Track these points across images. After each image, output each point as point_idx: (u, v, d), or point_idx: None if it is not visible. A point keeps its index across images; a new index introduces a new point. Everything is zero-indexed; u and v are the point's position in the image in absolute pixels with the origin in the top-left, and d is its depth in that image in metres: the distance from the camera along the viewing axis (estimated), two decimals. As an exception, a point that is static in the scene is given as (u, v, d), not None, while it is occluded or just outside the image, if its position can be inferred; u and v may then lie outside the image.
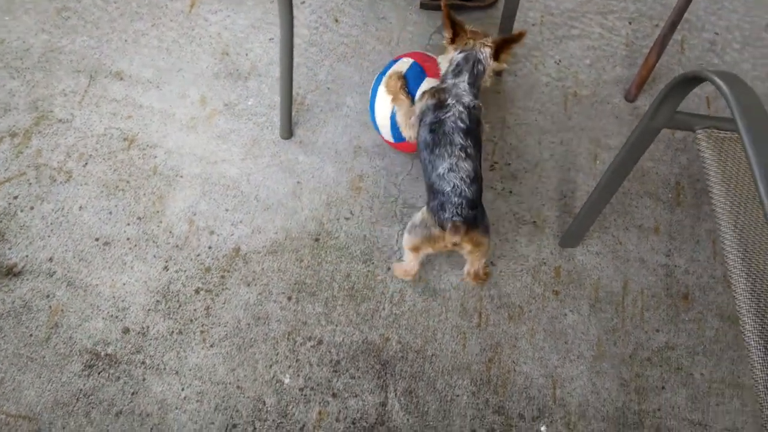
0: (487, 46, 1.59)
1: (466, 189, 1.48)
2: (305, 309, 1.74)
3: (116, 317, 1.70)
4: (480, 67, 1.59)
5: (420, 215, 1.58)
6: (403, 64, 1.76)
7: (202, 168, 1.93)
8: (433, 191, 1.53)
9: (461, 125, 1.53)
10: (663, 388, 1.70)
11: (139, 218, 1.84)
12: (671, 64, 2.25)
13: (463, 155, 1.50)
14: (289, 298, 1.75)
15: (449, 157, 1.50)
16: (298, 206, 1.89)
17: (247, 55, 2.17)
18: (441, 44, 1.68)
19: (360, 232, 1.86)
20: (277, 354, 1.67)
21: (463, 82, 1.56)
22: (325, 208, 1.90)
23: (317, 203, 1.90)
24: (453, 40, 1.61)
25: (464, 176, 1.48)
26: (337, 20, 2.27)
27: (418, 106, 1.61)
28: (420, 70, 1.73)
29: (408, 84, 1.71)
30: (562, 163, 2.02)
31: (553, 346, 1.74)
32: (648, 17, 2.36)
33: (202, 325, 1.70)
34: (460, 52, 1.59)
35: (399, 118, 1.70)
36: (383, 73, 1.80)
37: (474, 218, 1.49)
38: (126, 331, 1.68)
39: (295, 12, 2.26)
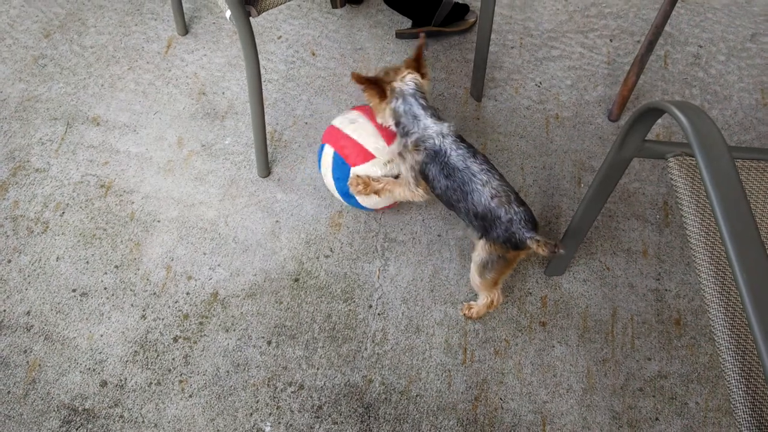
0: (405, 76, 1.57)
1: (516, 206, 1.46)
2: (285, 353, 1.70)
3: (94, 370, 1.67)
4: (420, 95, 1.56)
5: (483, 253, 1.54)
6: (327, 157, 1.74)
7: (180, 211, 1.91)
8: (486, 220, 1.49)
9: (464, 152, 1.50)
10: (657, 419, 1.65)
11: (116, 267, 1.82)
12: (655, 80, 2.21)
13: (485, 177, 1.48)
14: (269, 343, 1.72)
15: (483, 185, 1.47)
16: (277, 246, 1.86)
17: (224, 93, 2.15)
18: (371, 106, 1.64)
19: (340, 270, 1.83)
20: (258, 401, 1.64)
21: (426, 119, 1.53)
22: (305, 247, 1.87)
23: (296, 242, 1.87)
24: (383, 96, 1.58)
25: (504, 195, 1.47)
26: (314, 53, 2.26)
27: (409, 166, 1.57)
28: (341, 161, 1.70)
29: (342, 173, 1.71)
30: (546, 188, 1.98)
31: (541, 380, 1.69)
32: (629, 33, 2.33)
33: (181, 375, 1.67)
34: (396, 100, 1.56)
35: (403, 195, 1.64)
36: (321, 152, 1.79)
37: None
38: (104, 384, 1.65)
39: (272, 47, 2.25)
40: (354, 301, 1.78)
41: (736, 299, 1.16)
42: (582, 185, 1.98)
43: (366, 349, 1.72)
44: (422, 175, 1.57)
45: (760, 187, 1.28)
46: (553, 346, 1.74)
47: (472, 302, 1.73)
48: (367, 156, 1.66)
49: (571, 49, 2.28)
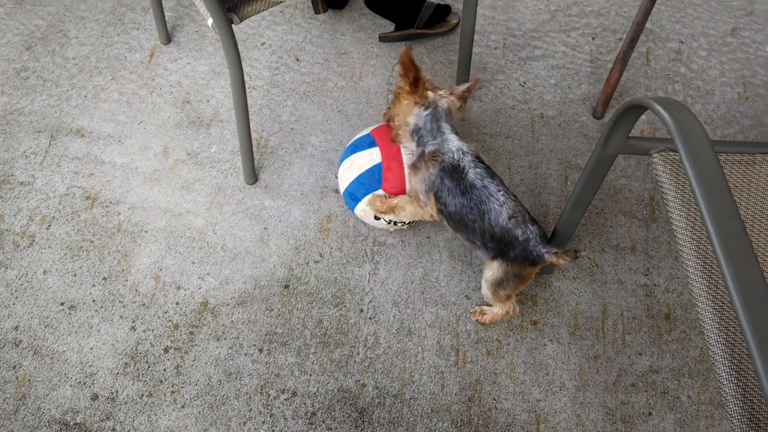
0: (447, 96, 1.56)
1: (531, 225, 1.47)
2: (277, 360, 1.69)
3: (84, 383, 1.66)
4: (449, 116, 1.56)
5: (498, 273, 1.54)
6: (370, 160, 1.68)
7: (167, 221, 1.90)
8: (503, 242, 1.49)
9: (483, 171, 1.50)
10: (650, 414, 1.65)
11: (104, 278, 1.80)
12: (637, 77, 2.22)
13: (503, 198, 1.48)
14: (261, 350, 1.71)
15: (500, 206, 1.47)
16: (266, 253, 1.86)
17: (208, 101, 2.15)
18: (396, 91, 1.60)
19: (330, 275, 1.82)
20: (251, 410, 1.63)
21: (450, 135, 1.53)
22: (294, 253, 1.86)
23: (285, 248, 1.87)
24: (414, 88, 1.54)
25: (520, 215, 1.48)
26: (298, 59, 2.25)
27: (421, 178, 1.55)
28: (379, 176, 1.66)
29: (369, 183, 1.68)
30: (533, 187, 1.99)
31: (534, 379, 1.69)
32: (611, 31, 2.34)
33: (173, 385, 1.66)
34: (426, 108, 1.54)
35: (412, 212, 1.63)
36: (349, 152, 1.74)
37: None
38: (95, 397, 1.64)
39: (256, 54, 2.24)
40: (345, 306, 1.78)
41: (724, 293, 1.16)
42: (569, 183, 1.99)
43: (358, 353, 1.71)
44: (433, 190, 1.54)
45: (744, 181, 1.29)
46: (545, 345, 1.74)
47: (484, 307, 1.73)
48: (400, 191, 1.67)
49: (554, 48, 2.29)
